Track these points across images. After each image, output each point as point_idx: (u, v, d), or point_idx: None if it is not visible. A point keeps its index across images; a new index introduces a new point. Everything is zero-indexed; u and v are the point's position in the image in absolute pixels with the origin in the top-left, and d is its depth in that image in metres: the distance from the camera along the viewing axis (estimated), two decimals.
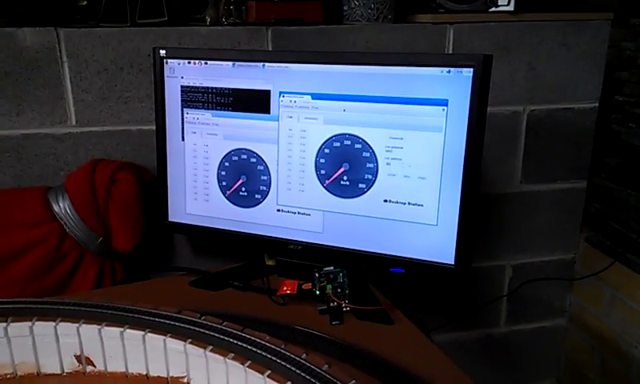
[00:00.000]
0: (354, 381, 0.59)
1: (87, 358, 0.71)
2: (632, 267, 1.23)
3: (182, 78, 0.98)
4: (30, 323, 0.69)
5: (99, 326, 0.69)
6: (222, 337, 0.65)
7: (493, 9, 1.17)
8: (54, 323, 0.69)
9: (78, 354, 0.71)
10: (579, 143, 1.30)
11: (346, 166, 0.91)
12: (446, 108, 0.83)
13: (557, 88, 1.24)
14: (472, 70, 0.80)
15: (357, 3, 1.14)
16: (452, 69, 0.82)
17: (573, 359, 1.45)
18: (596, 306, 1.36)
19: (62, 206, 1.00)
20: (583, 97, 1.26)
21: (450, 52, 1.17)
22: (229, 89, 0.95)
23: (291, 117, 0.93)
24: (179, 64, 0.97)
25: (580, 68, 1.24)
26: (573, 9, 1.24)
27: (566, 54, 1.22)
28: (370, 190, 0.90)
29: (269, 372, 0.61)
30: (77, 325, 0.70)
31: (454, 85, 0.82)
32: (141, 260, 1.08)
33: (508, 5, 1.16)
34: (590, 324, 1.38)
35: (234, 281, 0.96)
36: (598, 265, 1.32)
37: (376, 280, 0.97)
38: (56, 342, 0.70)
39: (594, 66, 1.24)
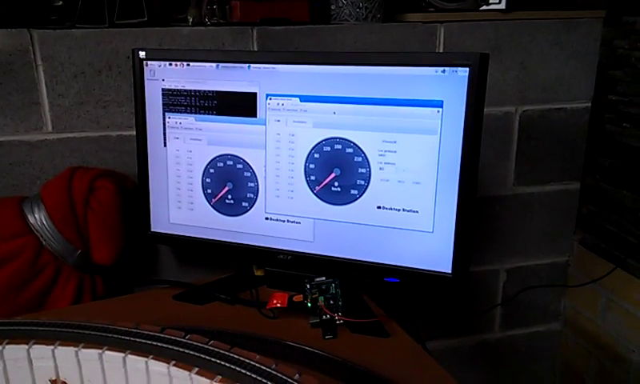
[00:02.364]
0: None
1: (63, 383, 0.66)
2: (629, 271, 1.20)
3: (163, 80, 0.93)
4: (0, 347, 0.64)
5: (76, 348, 0.64)
6: (208, 358, 0.61)
7: (484, 7, 1.14)
8: (26, 346, 0.64)
9: (54, 378, 0.66)
10: (572, 144, 1.28)
11: (337, 172, 0.87)
12: (441, 109, 0.80)
13: (549, 88, 1.22)
14: (468, 69, 0.77)
15: (345, 2, 1.10)
16: (447, 68, 0.79)
17: (569, 364, 1.43)
18: (591, 309, 1.34)
19: (37, 218, 0.94)
20: (576, 96, 1.24)
21: (441, 51, 1.14)
22: (213, 91, 0.91)
23: (279, 120, 0.89)
24: (160, 66, 0.93)
25: (572, 67, 1.22)
26: (564, 7, 1.22)
27: (558, 53, 1.20)
28: (363, 196, 0.86)
29: None
30: (52, 347, 0.65)
31: (449, 85, 0.79)
32: (122, 273, 1.03)
33: (499, 3, 1.13)
34: (585, 328, 1.36)
35: (221, 293, 0.92)
36: (593, 267, 1.29)
37: (370, 290, 0.94)
38: (29, 366, 0.65)
39: (586, 64, 1.22)
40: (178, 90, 0.93)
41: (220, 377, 0.59)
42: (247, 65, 0.89)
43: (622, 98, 1.23)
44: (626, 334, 1.24)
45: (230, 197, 0.94)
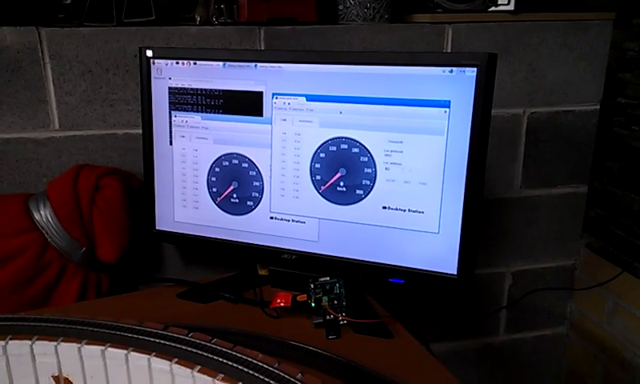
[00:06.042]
0: None
1: (66, 379, 0.66)
2: (637, 275, 1.19)
3: (170, 79, 0.93)
4: (3, 342, 0.64)
5: (79, 345, 0.64)
6: (210, 356, 0.61)
7: (492, 8, 1.13)
8: (29, 342, 0.65)
9: (56, 374, 0.66)
10: (580, 146, 1.26)
11: (343, 172, 0.87)
12: (448, 110, 0.79)
13: (557, 90, 1.21)
14: (475, 69, 0.77)
15: (352, 2, 1.10)
16: (454, 68, 0.78)
17: (574, 369, 1.42)
18: (598, 313, 1.32)
19: (43, 215, 0.95)
20: (584, 99, 1.23)
21: (449, 52, 1.13)
22: (219, 90, 0.91)
23: (285, 119, 0.89)
24: (167, 64, 0.93)
25: (581, 69, 1.20)
26: (574, 9, 1.21)
27: (567, 55, 1.19)
28: (368, 196, 0.86)
29: None
30: (55, 343, 0.65)
31: (457, 85, 0.78)
32: (127, 271, 1.04)
33: (508, 4, 1.13)
34: (591, 332, 1.35)
35: (225, 292, 0.92)
36: (599, 271, 1.28)
37: (374, 290, 0.93)
38: (32, 362, 0.65)
39: (595, 67, 1.21)
40: (184, 88, 0.93)
41: (222, 375, 0.59)
42: (254, 64, 0.89)
43: (631, 101, 1.22)
44: (633, 339, 1.23)
45: (235, 196, 0.94)
